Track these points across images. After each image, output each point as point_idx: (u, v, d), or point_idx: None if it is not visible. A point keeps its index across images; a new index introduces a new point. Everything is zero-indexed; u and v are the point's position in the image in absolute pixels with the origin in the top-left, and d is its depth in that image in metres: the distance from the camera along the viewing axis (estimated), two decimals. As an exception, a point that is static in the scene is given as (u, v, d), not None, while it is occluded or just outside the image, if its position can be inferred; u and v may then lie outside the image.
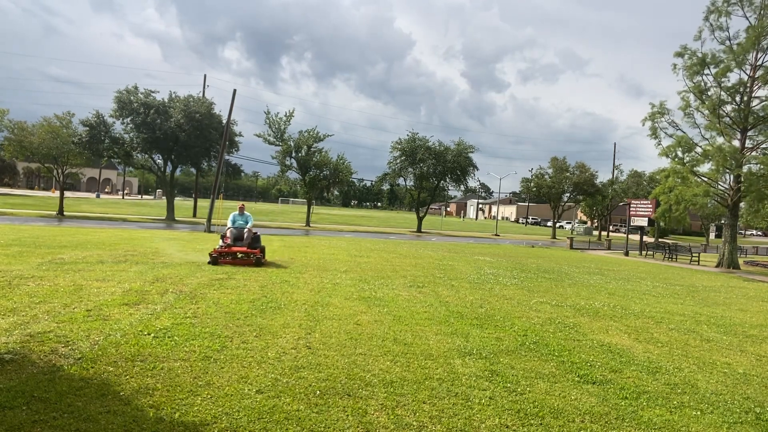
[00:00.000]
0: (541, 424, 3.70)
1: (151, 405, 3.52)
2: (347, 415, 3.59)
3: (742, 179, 22.16)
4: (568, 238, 36.30)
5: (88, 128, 31.21)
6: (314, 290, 8.54)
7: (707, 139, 23.65)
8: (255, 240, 11.83)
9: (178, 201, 50.05)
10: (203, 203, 43.62)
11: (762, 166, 21.53)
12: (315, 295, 8.11)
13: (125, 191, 79.88)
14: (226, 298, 7.31)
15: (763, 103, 22.27)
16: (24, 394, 3.53)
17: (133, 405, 3.49)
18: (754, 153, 22.77)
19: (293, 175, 40.55)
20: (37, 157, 30.88)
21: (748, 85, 22.28)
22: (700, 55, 22.89)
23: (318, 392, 3.95)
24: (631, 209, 29.60)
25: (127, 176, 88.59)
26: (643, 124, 25.20)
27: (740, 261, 25.86)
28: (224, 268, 10.40)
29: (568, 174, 48.55)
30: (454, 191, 50.72)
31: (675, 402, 4.40)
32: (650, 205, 28.03)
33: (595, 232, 63.30)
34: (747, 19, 21.93)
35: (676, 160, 24.25)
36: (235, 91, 28.00)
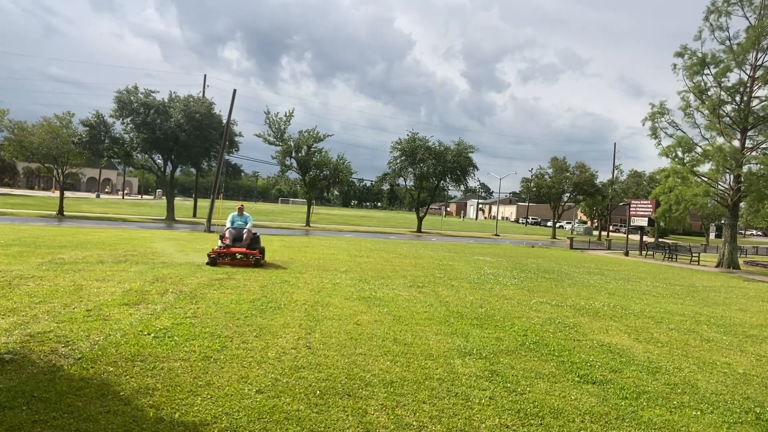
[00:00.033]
0: (541, 424, 3.70)
1: (151, 405, 3.52)
2: (347, 415, 3.59)
3: (742, 179, 22.16)
4: (568, 238, 36.30)
5: (88, 128, 31.20)
6: (314, 290, 8.54)
7: (707, 139, 23.67)
8: (254, 241, 11.71)
9: (178, 201, 50.06)
10: (203, 203, 43.62)
11: (762, 166, 21.53)
12: (315, 295, 8.11)
13: (125, 191, 79.89)
14: (226, 298, 7.31)
15: (763, 103, 22.27)
16: (24, 394, 3.53)
17: (133, 405, 3.49)
18: (754, 153, 22.78)
19: (293, 175, 40.57)
20: (37, 157, 30.87)
21: (748, 85, 22.28)
22: (700, 55, 22.89)
23: (318, 392, 3.96)
24: (631, 209, 29.60)
25: (127, 176, 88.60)
26: (644, 124, 25.23)
27: (740, 261, 25.86)
28: (224, 268, 10.40)
29: (568, 174, 48.55)
30: (454, 191, 50.78)
31: (675, 402, 4.40)
32: (650, 205, 28.03)
33: (595, 232, 63.29)
34: (747, 19, 21.95)
35: (676, 160, 24.26)
36: (235, 91, 28.02)
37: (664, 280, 15.36)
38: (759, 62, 22.17)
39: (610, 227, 64.09)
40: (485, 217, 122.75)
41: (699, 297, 11.86)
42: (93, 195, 67.18)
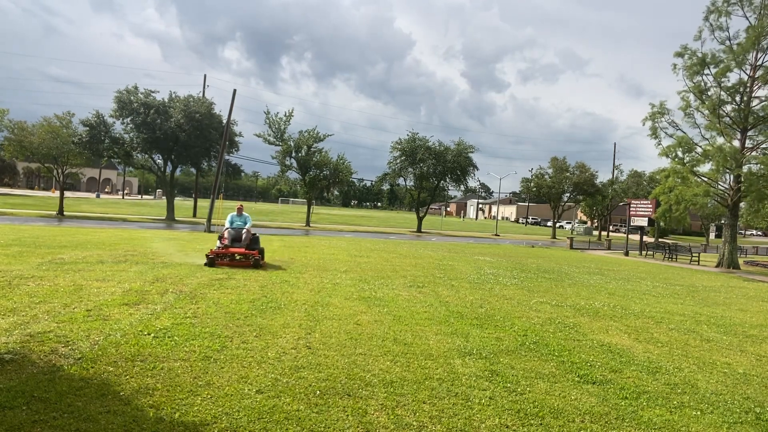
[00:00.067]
0: (541, 424, 3.70)
1: (151, 405, 3.52)
2: (347, 415, 3.59)
3: (742, 179, 22.16)
4: (568, 238, 36.30)
5: (88, 128, 31.20)
6: (314, 290, 8.54)
7: (707, 139, 23.68)
8: (254, 241, 11.57)
9: (178, 201, 50.06)
10: (203, 203, 43.63)
11: (762, 166, 21.53)
12: (315, 295, 8.11)
13: (125, 191, 79.90)
14: (226, 298, 7.31)
15: (763, 103, 22.28)
16: (24, 394, 3.53)
17: (133, 405, 3.49)
18: (754, 153, 22.78)
19: (293, 175, 40.57)
20: (37, 157, 30.87)
21: (748, 85, 22.28)
22: (700, 55, 22.90)
23: (318, 392, 3.96)
24: (631, 209, 29.60)
25: (127, 176, 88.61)
26: (644, 124, 25.24)
27: (740, 261, 25.86)
28: (224, 268, 10.39)
29: (568, 174, 48.56)
30: (454, 191, 50.78)
31: (675, 402, 4.40)
32: (650, 205, 28.04)
33: (595, 232, 63.30)
34: (747, 19, 21.96)
35: (677, 160, 24.26)
36: (235, 91, 28.02)
37: (664, 280, 15.36)
38: (759, 62, 22.18)
39: (610, 227, 64.10)
40: (485, 217, 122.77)
41: (699, 297, 11.86)
42: (93, 195, 67.19)
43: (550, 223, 70.22)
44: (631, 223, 29.75)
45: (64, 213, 31.04)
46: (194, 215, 39.69)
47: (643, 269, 19.15)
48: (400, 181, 43.98)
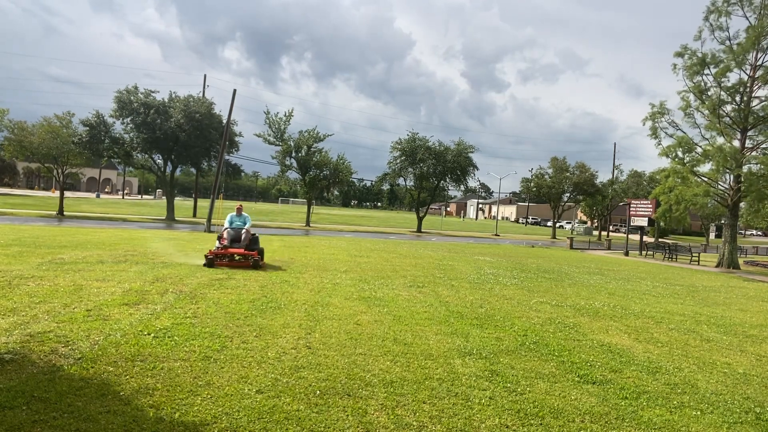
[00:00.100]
0: (541, 424, 3.70)
1: (151, 405, 3.52)
2: (347, 415, 3.59)
3: (742, 179, 22.16)
4: (568, 238, 36.30)
5: (88, 128, 31.20)
6: (314, 290, 8.54)
7: (707, 139, 23.68)
8: (253, 242, 11.42)
9: (178, 201, 50.06)
10: (203, 203, 43.63)
11: (762, 166, 21.53)
12: (315, 295, 8.11)
13: (125, 191, 79.90)
14: (226, 298, 7.31)
15: (763, 103, 22.28)
16: (24, 394, 3.53)
17: (133, 405, 3.49)
18: (754, 153, 22.78)
19: (293, 175, 40.57)
20: (37, 157, 30.87)
21: (748, 85, 22.28)
22: (700, 55, 22.90)
23: (318, 392, 3.96)
24: (631, 209, 29.60)
25: (127, 176, 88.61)
26: (644, 124, 25.24)
27: (740, 261, 25.86)
28: (224, 268, 10.38)
29: (568, 174, 48.56)
30: (454, 191, 50.78)
31: (675, 402, 4.41)
32: (650, 205, 28.04)
33: (595, 232, 63.30)
34: (747, 19, 21.96)
35: (677, 160, 24.26)
36: (235, 91, 28.02)
37: (664, 280, 15.36)
38: (759, 62, 22.18)
39: (610, 227, 64.10)
40: (485, 217, 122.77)
41: (699, 297, 11.86)
42: (93, 195, 67.19)
43: (550, 223, 70.23)
44: (631, 223, 29.75)
45: (64, 213, 31.04)
46: (194, 215, 39.69)
47: (643, 269, 19.15)
48: (400, 181, 44.03)
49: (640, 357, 5.80)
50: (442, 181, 42.70)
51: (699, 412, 4.20)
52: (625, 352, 5.95)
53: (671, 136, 24.52)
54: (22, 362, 4.15)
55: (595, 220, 65.27)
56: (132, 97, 31.66)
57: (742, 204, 25.12)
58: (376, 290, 9.01)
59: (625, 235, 31.99)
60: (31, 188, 76.43)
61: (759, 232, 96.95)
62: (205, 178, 53.53)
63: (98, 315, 5.79)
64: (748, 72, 22.38)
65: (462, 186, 44.03)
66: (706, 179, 23.85)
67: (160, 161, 35.57)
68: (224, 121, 31.91)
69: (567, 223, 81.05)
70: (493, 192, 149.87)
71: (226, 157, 34.68)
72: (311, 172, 38.96)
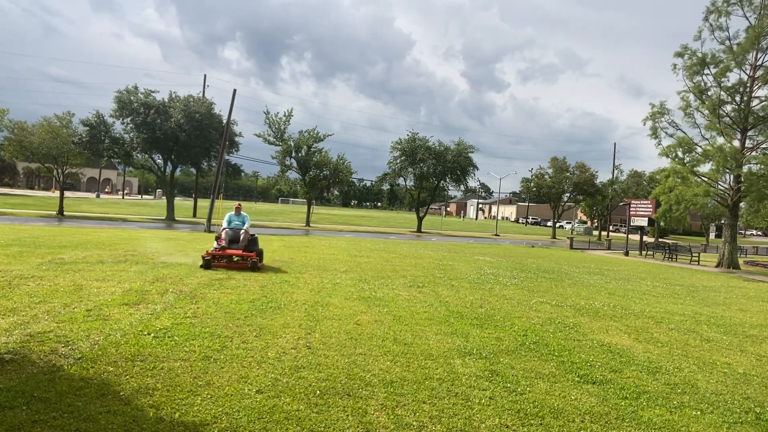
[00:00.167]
0: (541, 424, 3.70)
1: (151, 405, 3.52)
2: (347, 415, 3.59)
3: (742, 179, 22.16)
4: (568, 238, 36.30)
5: (88, 128, 31.19)
6: (314, 290, 8.54)
7: (707, 139, 23.69)
8: (252, 242, 11.13)
9: (178, 201, 50.06)
10: (203, 203, 43.63)
11: (762, 166, 21.54)
12: (315, 295, 8.11)
13: (125, 191, 79.89)
14: (226, 298, 7.30)
15: (763, 103, 22.28)
16: (24, 394, 3.53)
17: (133, 405, 3.49)
18: (754, 153, 22.79)
19: (293, 175, 40.56)
20: (37, 157, 30.86)
21: (748, 85, 22.28)
22: (700, 55, 22.90)
23: (318, 392, 3.95)
24: (631, 209, 29.60)
25: (127, 176, 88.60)
26: (644, 124, 25.25)
27: (740, 261, 25.86)
28: (222, 269, 10.35)
29: (568, 174, 48.57)
30: (454, 191, 50.78)
31: (675, 402, 4.40)
32: (650, 205, 28.04)
33: (595, 232, 63.30)
34: (747, 19, 21.96)
35: (677, 160, 24.27)
36: (235, 91, 28.02)
37: (664, 280, 15.36)
38: (759, 62, 22.18)
39: (610, 227, 64.10)
40: (485, 217, 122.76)
41: (699, 297, 11.86)
42: (93, 195, 67.18)
43: (550, 223, 70.23)
44: (631, 223, 29.75)
45: (64, 213, 31.04)
46: (194, 215, 39.69)
47: (643, 269, 19.15)
48: (400, 181, 44.03)
49: (640, 357, 5.80)
50: (442, 181, 42.69)
51: (699, 412, 4.20)
52: (625, 352, 5.95)
53: (671, 136, 24.55)
54: (22, 362, 4.14)
55: (595, 220, 65.26)
56: (132, 97, 31.65)
57: (742, 204, 25.12)
58: (376, 290, 9.01)
59: (625, 235, 31.98)
60: (31, 188, 76.43)
61: (759, 232, 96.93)
62: (205, 178, 53.52)
63: (98, 315, 5.79)
64: (748, 72, 22.39)
65: (462, 186, 44.04)
66: (706, 179, 23.85)
67: (160, 161, 35.57)
68: (224, 121, 31.91)
69: (567, 223, 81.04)
70: (493, 192, 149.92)
71: (226, 157, 34.68)
72: (311, 172, 38.95)
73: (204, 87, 39.34)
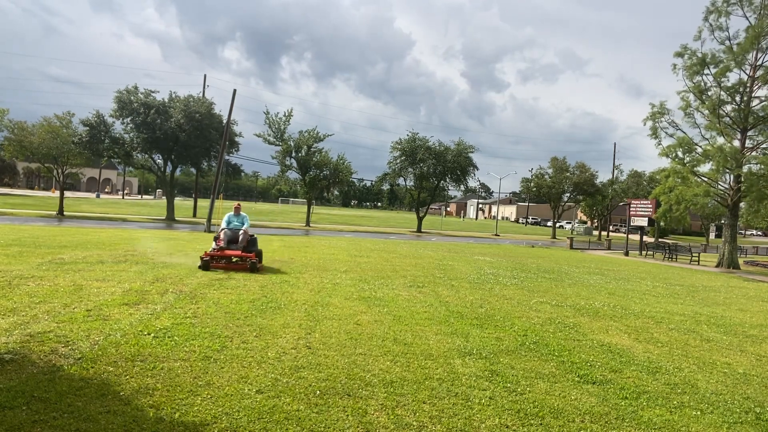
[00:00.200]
0: (541, 424, 3.70)
1: (151, 405, 3.51)
2: (347, 415, 3.59)
3: (742, 179, 22.17)
4: (568, 238, 36.30)
5: (88, 128, 31.19)
6: (314, 290, 8.54)
7: (707, 139, 23.70)
8: (251, 243, 10.98)
9: (178, 201, 50.05)
10: (203, 203, 43.62)
11: (762, 166, 21.54)
12: (315, 295, 8.11)
13: (125, 191, 79.88)
14: (226, 298, 7.30)
15: (763, 103, 22.29)
16: (24, 394, 3.53)
17: (133, 405, 3.49)
18: (754, 153, 22.79)
19: (293, 175, 40.57)
20: (37, 157, 30.87)
21: (748, 85, 22.29)
22: (700, 55, 22.90)
23: (318, 392, 3.95)
24: (631, 209, 29.60)
25: (127, 176, 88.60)
26: (644, 124, 25.27)
27: (740, 261, 25.86)
28: (220, 270, 10.32)
29: (568, 174, 48.57)
30: (454, 191, 50.82)
31: (675, 402, 4.40)
32: (650, 205, 28.04)
33: (595, 232, 63.30)
34: (747, 19, 21.97)
35: (677, 160, 24.27)
36: (235, 91, 28.03)
37: (664, 280, 15.36)
38: (759, 62, 22.19)
39: (610, 227, 64.09)
40: (485, 217, 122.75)
41: (699, 297, 11.86)
42: (93, 195, 67.19)
43: (550, 223, 70.22)
44: (631, 223, 29.76)
45: (64, 213, 31.04)
46: (194, 215, 39.69)
47: (643, 269, 19.15)
48: (400, 181, 44.04)
49: (640, 357, 5.80)
50: (442, 181, 42.70)
51: (699, 412, 4.20)
52: (625, 352, 5.95)
53: (671, 136, 24.56)
54: (22, 362, 4.14)
55: (595, 220, 65.26)
56: (132, 97, 31.65)
57: (742, 204, 25.12)
58: (376, 290, 9.01)
59: (625, 235, 31.99)
60: (31, 188, 76.43)
61: (759, 232, 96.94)
62: (205, 178, 53.52)
63: (98, 315, 5.79)
64: (748, 72, 22.40)
65: (462, 186, 44.06)
66: (706, 179, 23.85)
67: (160, 161, 35.57)
68: (224, 121, 31.91)
69: (567, 223, 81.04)
70: (493, 192, 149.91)
71: (226, 157, 34.68)
72: (311, 172, 38.96)
73: (204, 87, 39.38)
